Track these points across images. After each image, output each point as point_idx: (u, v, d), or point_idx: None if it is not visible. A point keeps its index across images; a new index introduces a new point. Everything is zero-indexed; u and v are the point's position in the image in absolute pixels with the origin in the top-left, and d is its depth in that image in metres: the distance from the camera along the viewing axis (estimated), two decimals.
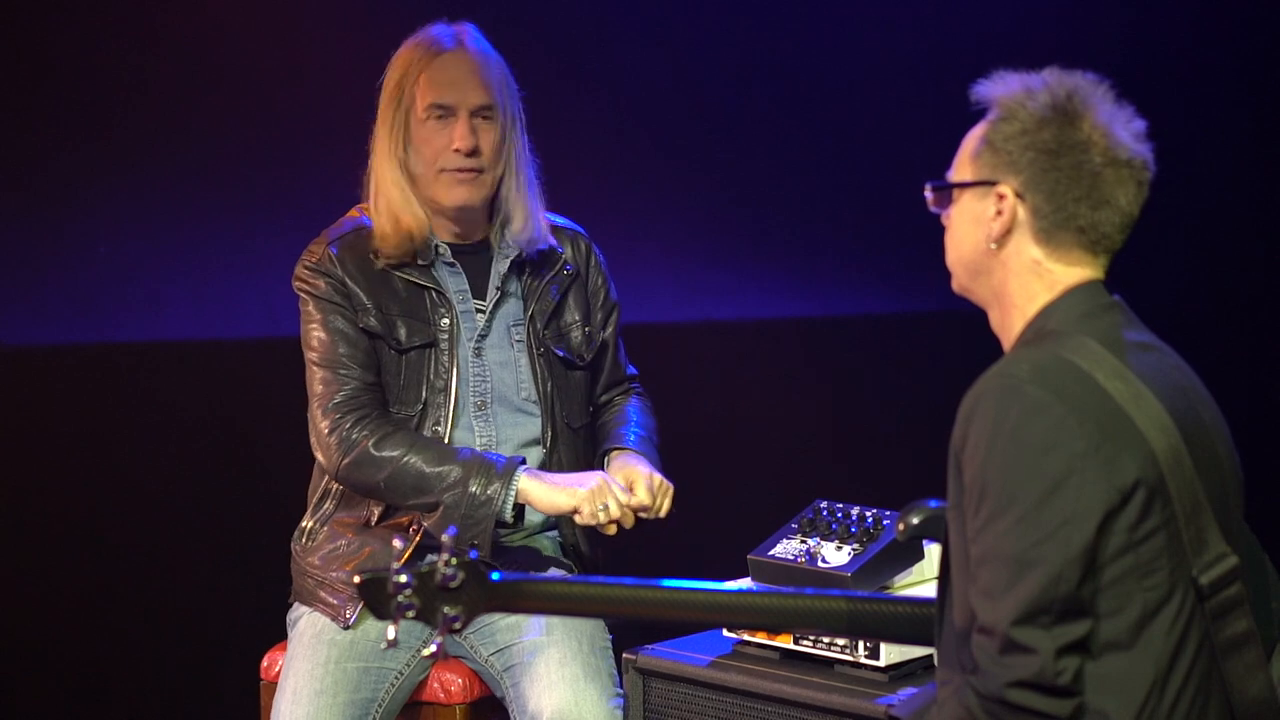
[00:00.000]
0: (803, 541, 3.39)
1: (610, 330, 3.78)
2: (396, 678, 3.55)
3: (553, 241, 3.70)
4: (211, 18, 4.53)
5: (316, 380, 3.57)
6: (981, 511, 2.42)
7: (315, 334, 3.59)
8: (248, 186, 4.60)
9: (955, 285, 2.68)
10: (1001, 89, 2.59)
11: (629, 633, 3.61)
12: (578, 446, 3.72)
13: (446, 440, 3.57)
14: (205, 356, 4.55)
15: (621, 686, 3.45)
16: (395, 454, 3.48)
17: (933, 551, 3.39)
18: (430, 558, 3.52)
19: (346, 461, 3.51)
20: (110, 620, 4.54)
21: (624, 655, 3.44)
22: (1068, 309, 2.53)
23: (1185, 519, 2.41)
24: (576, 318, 3.72)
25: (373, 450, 3.49)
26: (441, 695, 3.61)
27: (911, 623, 2.77)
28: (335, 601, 3.57)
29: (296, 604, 3.67)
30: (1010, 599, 2.37)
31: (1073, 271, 2.55)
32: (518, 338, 3.67)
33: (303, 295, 3.62)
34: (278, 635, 3.76)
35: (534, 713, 3.43)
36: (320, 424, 3.55)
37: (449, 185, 3.56)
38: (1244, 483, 2.57)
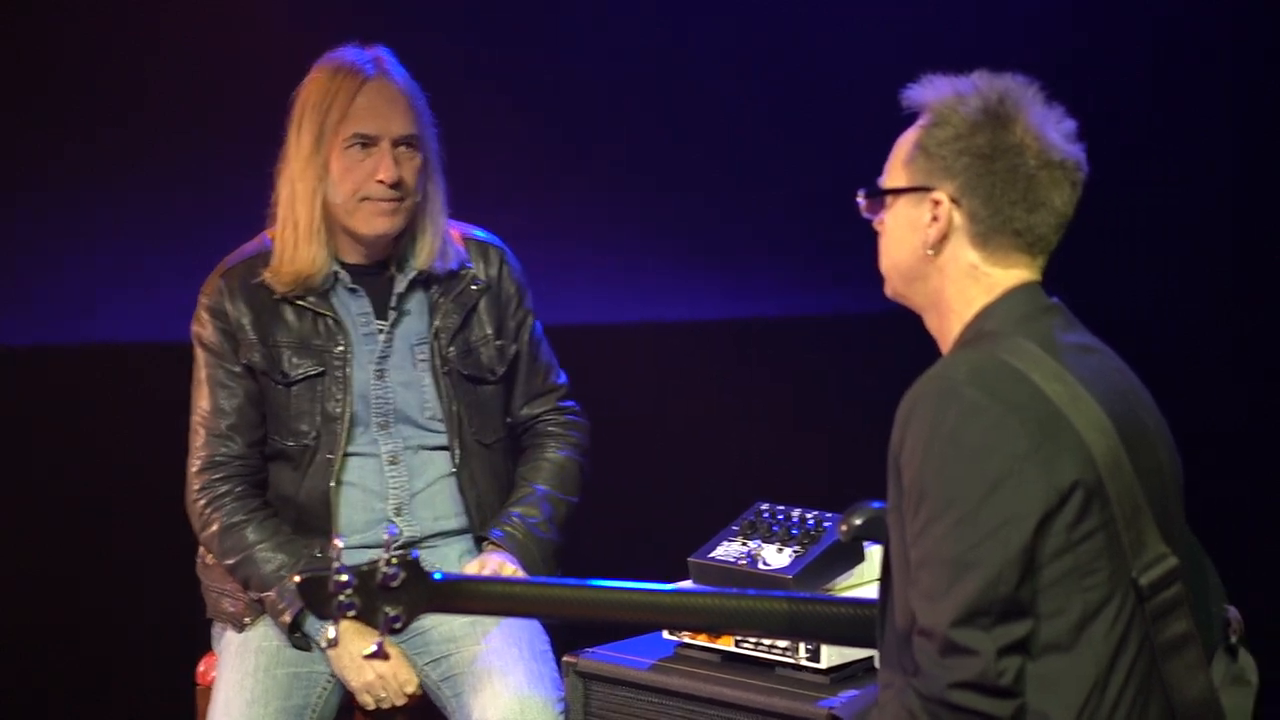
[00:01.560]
0: (744, 544, 3.38)
1: (525, 339, 3.74)
2: (328, 682, 3.54)
3: (463, 256, 3.67)
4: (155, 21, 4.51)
5: (196, 437, 3.62)
6: (920, 514, 2.42)
7: (201, 392, 3.62)
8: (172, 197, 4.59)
9: (889, 290, 2.68)
10: (932, 93, 2.60)
11: (564, 635, 3.60)
12: (493, 462, 3.70)
13: (337, 470, 3.57)
14: (137, 359, 4.52)
15: (562, 690, 3.44)
16: (237, 548, 3.54)
17: (873, 554, 3.38)
18: (371, 557, 3.61)
19: (200, 533, 3.61)
20: (43, 623, 4.52)
21: (564, 659, 3.43)
22: (1006, 311, 2.54)
23: (1124, 520, 2.42)
24: (488, 332, 3.68)
25: (219, 539, 3.56)
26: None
27: (852, 624, 2.77)
28: (233, 610, 3.60)
29: (213, 620, 3.71)
30: (950, 600, 2.38)
31: (1010, 274, 2.56)
32: (421, 357, 3.64)
33: (195, 341, 3.64)
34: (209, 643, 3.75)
35: None
36: (192, 482, 3.62)
37: (370, 216, 3.54)
38: (1184, 486, 2.59)
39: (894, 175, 2.62)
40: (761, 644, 3.28)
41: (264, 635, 3.56)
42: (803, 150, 4.54)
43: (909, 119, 2.64)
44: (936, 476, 2.40)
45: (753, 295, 4.64)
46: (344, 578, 2.60)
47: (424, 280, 3.65)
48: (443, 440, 3.65)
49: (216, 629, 3.69)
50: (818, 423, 4.59)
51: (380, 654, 2.63)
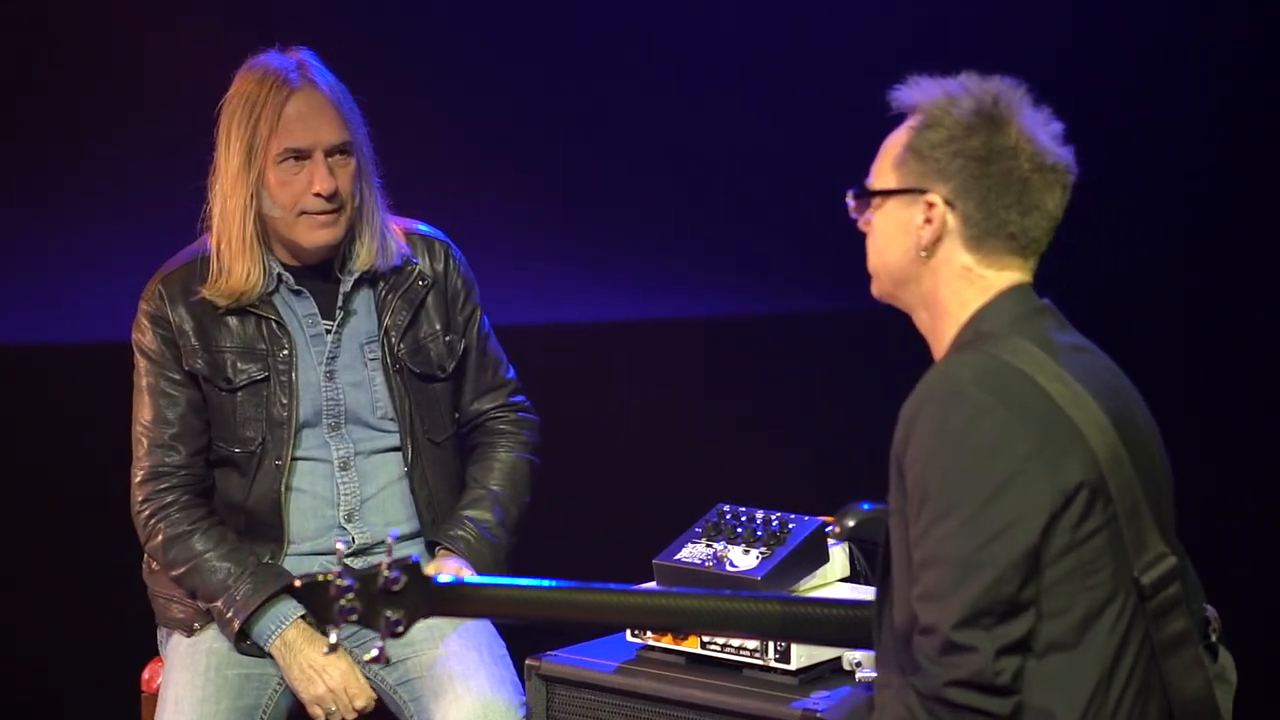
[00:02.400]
0: (708, 545, 3.38)
1: (474, 334, 3.71)
2: (279, 684, 3.50)
3: (406, 253, 3.63)
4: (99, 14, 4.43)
5: (139, 447, 3.56)
6: (924, 515, 2.43)
7: (142, 401, 3.56)
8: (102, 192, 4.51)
9: (876, 290, 2.68)
10: (921, 95, 2.60)
11: (521, 640, 3.57)
12: (444, 460, 3.67)
13: (286, 476, 3.53)
14: (94, 360, 4.44)
15: (524, 695, 3.42)
16: (183, 558, 3.49)
17: (836, 554, 3.40)
18: (323, 564, 3.57)
19: (146, 543, 3.56)
20: None
21: (527, 662, 3.41)
22: (1001, 312, 2.55)
23: (1126, 519, 2.45)
24: (437, 327, 3.64)
25: (164, 549, 3.51)
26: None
27: (844, 625, 2.77)
28: (182, 615, 3.56)
29: (159, 625, 3.65)
30: (954, 601, 2.39)
31: (1004, 275, 2.57)
32: (371, 356, 3.60)
33: (135, 350, 3.58)
34: (156, 647, 3.68)
35: None
36: (135, 491, 3.56)
37: (310, 228, 3.49)
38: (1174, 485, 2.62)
39: (883, 176, 2.62)
40: (729, 645, 3.28)
41: (214, 638, 3.52)
42: (756, 150, 4.54)
43: (896, 119, 2.64)
44: (942, 477, 2.42)
45: (705, 294, 4.65)
46: (345, 582, 2.56)
47: (369, 278, 3.61)
48: (394, 441, 3.61)
49: (163, 634, 3.64)
50: (769, 423, 4.60)
51: (382, 658, 2.60)
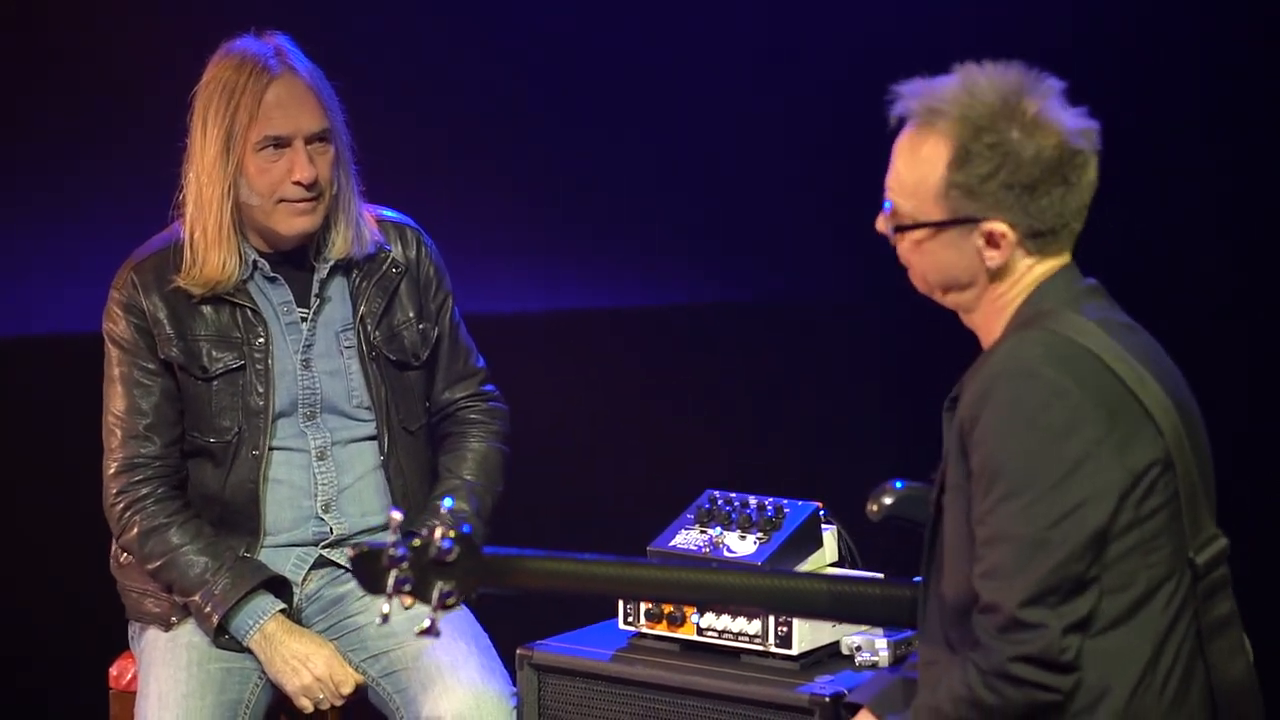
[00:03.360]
0: (703, 532, 3.37)
1: (446, 322, 3.66)
2: (260, 677, 3.44)
3: (380, 240, 3.58)
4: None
5: (113, 438, 3.48)
6: (993, 492, 2.44)
7: (115, 391, 3.48)
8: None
9: (926, 291, 2.67)
10: (940, 115, 2.54)
11: (503, 629, 3.55)
12: (417, 449, 3.62)
13: (265, 460, 3.47)
14: (54, 353, 4.34)
15: (514, 685, 3.38)
16: (160, 551, 3.42)
17: (828, 539, 3.41)
18: (300, 554, 3.51)
19: (120, 536, 3.49)
20: None
21: (518, 651, 3.38)
22: (1056, 292, 2.56)
23: (1186, 499, 2.48)
24: (410, 315, 3.59)
25: (140, 543, 3.44)
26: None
27: (886, 604, 2.76)
28: (157, 609, 3.49)
29: (131, 620, 3.57)
30: (1022, 579, 2.40)
31: (1054, 260, 2.58)
32: (347, 343, 3.55)
33: (106, 339, 3.50)
34: (124, 642, 3.61)
35: (431, 718, 3.35)
36: (109, 484, 3.49)
37: (288, 216, 3.43)
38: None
39: (924, 206, 2.57)
40: (728, 631, 3.27)
41: (193, 631, 3.45)
42: (723, 138, 4.53)
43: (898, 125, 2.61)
44: (1013, 456, 2.42)
45: (670, 282, 4.64)
46: (399, 552, 2.50)
47: (344, 265, 3.55)
48: (370, 429, 3.55)
49: (135, 629, 3.55)
50: (736, 411, 4.60)
51: (433, 630, 2.54)
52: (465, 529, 2.56)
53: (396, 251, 3.59)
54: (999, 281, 2.58)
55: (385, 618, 2.55)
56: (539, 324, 4.66)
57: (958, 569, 2.52)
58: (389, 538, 2.55)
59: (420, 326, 3.60)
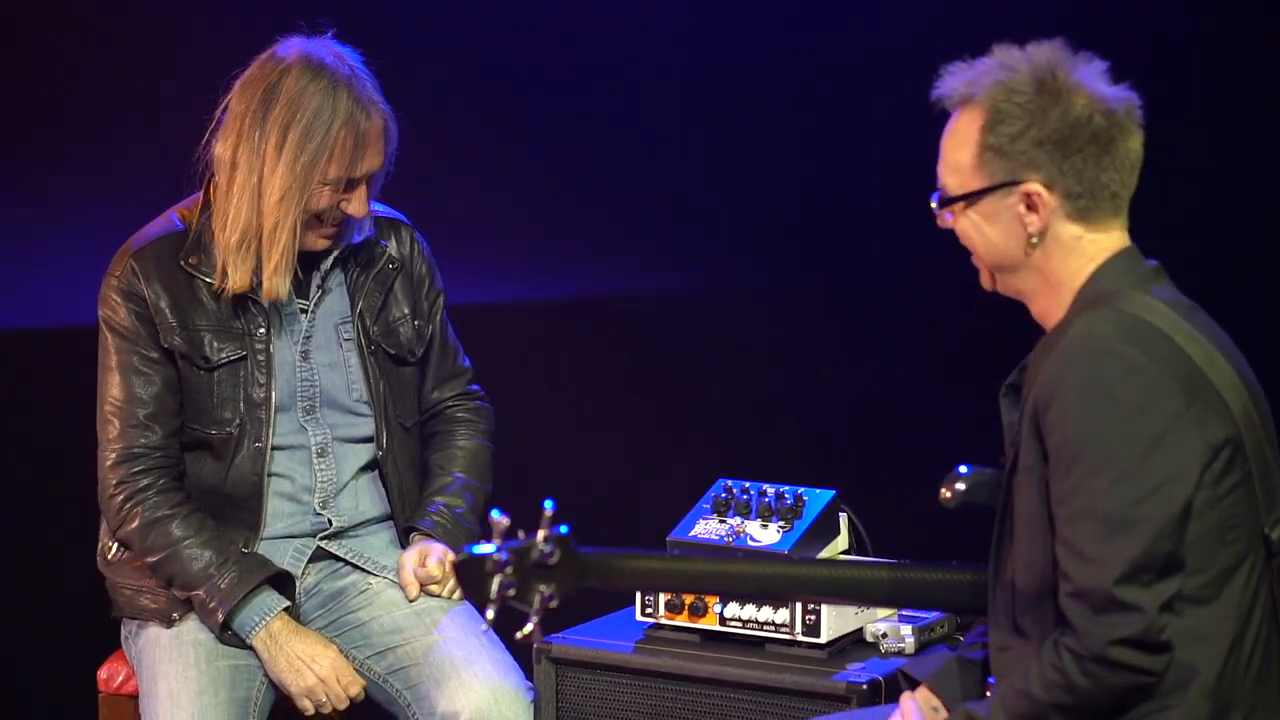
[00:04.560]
0: (722, 521, 3.35)
1: (438, 320, 3.61)
2: (265, 676, 3.37)
3: (372, 230, 3.52)
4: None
5: (110, 428, 3.38)
6: (1075, 472, 2.44)
7: (113, 380, 3.38)
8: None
9: (988, 282, 2.67)
10: (972, 87, 2.58)
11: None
12: (410, 446, 3.57)
13: (268, 454, 3.40)
14: (40, 345, 4.20)
15: (529, 678, 3.34)
16: (161, 544, 3.33)
17: (842, 526, 3.41)
18: (297, 547, 3.43)
19: (118, 530, 3.39)
20: None
21: (536, 645, 3.34)
22: (1120, 273, 2.58)
23: (1259, 476, 2.51)
24: (405, 311, 3.54)
25: (140, 535, 3.35)
26: None
27: (947, 590, 2.76)
28: (155, 605, 3.40)
29: (125, 619, 3.47)
30: (1114, 559, 2.41)
31: (1110, 237, 2.60)
32: (346, 336, 3.49)
33: (103, 326, 3.40)
34: (109, 646, 3.52)
35: (446, 714, 3.29)
36: (106, 475, 3.39)
37: (317, 236, 3.36)
38: None
39: (964, 178, 2.60)
40: (753, 621, 3.26)
41: (198, 628, 3.37)
42: (754, 126, 4.51)
43: (943, 115, 2.64)
44: (1093, 434, 2.43)
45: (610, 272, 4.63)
46: (503, 557, 2.46)
47: (341, 257, 3.48)
48: (368, 425, 3.49)
49: (131, 628, 3.45)
50: (715, 400, 4.59)
51: (536, 634, 2.50)
52: (564, 530, 2.53)
53: (392, 247, 3.54)
54: (1048, 256, 2.59)
55: (491, 624, 2.51)
56: (532, 312, 4.62)
57: (1033, 551, 2.53)
58: (492, 542, 2.50)
59: (415, 323, 3.55)
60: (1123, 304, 2.52)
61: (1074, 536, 2.45)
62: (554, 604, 2.51)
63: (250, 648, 3.34)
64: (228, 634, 3.34)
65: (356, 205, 3.34)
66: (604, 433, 4.57)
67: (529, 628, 2.50)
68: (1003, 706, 2.52)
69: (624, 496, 4.17)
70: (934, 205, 2.65)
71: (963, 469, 2.80)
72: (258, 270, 3.33)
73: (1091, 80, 2.57)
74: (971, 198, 2.60)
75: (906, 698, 2.77)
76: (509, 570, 2.48)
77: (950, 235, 2.66)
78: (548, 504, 2.52)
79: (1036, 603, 2.54)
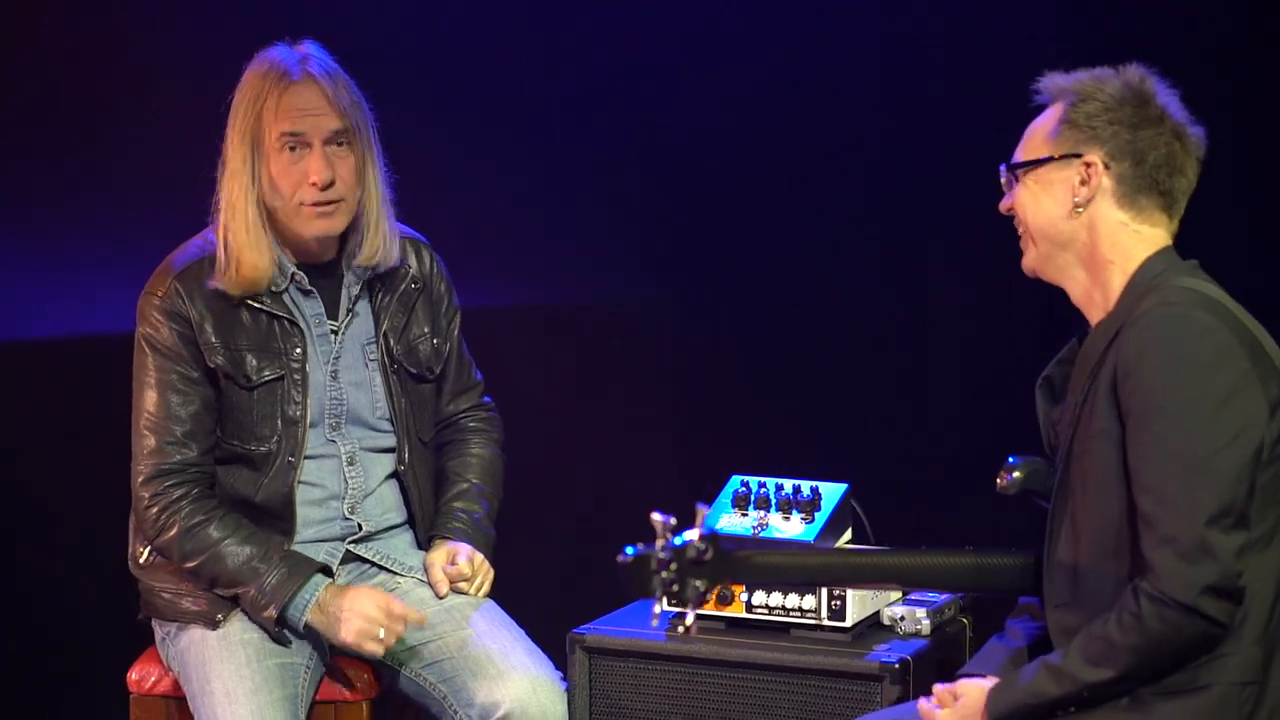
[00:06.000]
0: (744, 515, 3.53)
1: (455, 337, 3.75)
2: (305, 671, 3.47)
3: (402, 260, 3.64)
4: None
5: (143, 442, 3.47)
6: (1156, 425, 2.67)
7: (150, 396, 3.48)
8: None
9: (1030, 262, 2.91)
10: (1066, 80, 2.88)
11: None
12: (427, 459, 3.71)
13: (299, 469, 3.51)
14: (62, 355, 4.20)
15: (560, 668, 3.48)
16: (201, 548, 3.42)
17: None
18: (328, 550, 3.53)
19: (155, 539, 3.47)
20: None
21: (570, 635, 3.49)
22: (1169, 264, 2.84)
23: None
24: (425, 330, 3.68)
25: (179, 543, 3.44)
26: (346, 693, 3.53)
27: (1020, 572, 2.96)
28: (196, 608, 3.48)
29: (160, 622, 3.54)
30: (1199, 502, 2.63)
31: (1156, 233, 2.86)
32: (371, 356, 3.62)
33: (143, 343, 3.49)
34: (137, 647, 3.59)
35: (486, 706, 3.41)
36: (140, 489, 3.48)
37: (309, 219, 3.47)
38: None
39: (1036, 147, 2.88)
40: (779, 607, 3.44)
41: (243, 628, 3.44)
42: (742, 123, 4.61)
43: (1036, 109, 2.90)
44: (1171, 392, 2.67)
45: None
46: (665, 555, 2.65)
47: (369, 280, 3.61)
48: (390, 440, 3.62)
49: (170, 630, 3.51)
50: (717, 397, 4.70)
51: (693, 628, 2.69)
52: (712, 529, 2.71)
53: (414, 267, 3.66)
54: (1095, 236, 2.83)
55: (658, 619, 2.68)
56: (538, 315, 4.72)
57: (1106, 509, 2.73)
58: (657, 542, 2.67)
59: (434, 341, 3.68)
60: (1184, 284, 2.78)
61: (1156, 485, 2.67)
62: (707, 599, 2.69)
63: (302, 637, 3.43)
64: (278, 629, 3.42)
65: (315, 169, 3.44)
66: (604, 432, 4.69)
67: (689, 619, 2.68)
68: (1080, 652, 2.72)
69: (624, 496, 4.29)
70: (1001, 171, 2.90)
71: (1012, 459, 3.01)
72: (253, 262, 3.44)
73: (1171, 102, 2.86)
74: (1036, 164, 2.86)
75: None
76: (671, 568, 2.65)
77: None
78: (700, 507, 2.70)
79: (1106, 556, 2.74)
